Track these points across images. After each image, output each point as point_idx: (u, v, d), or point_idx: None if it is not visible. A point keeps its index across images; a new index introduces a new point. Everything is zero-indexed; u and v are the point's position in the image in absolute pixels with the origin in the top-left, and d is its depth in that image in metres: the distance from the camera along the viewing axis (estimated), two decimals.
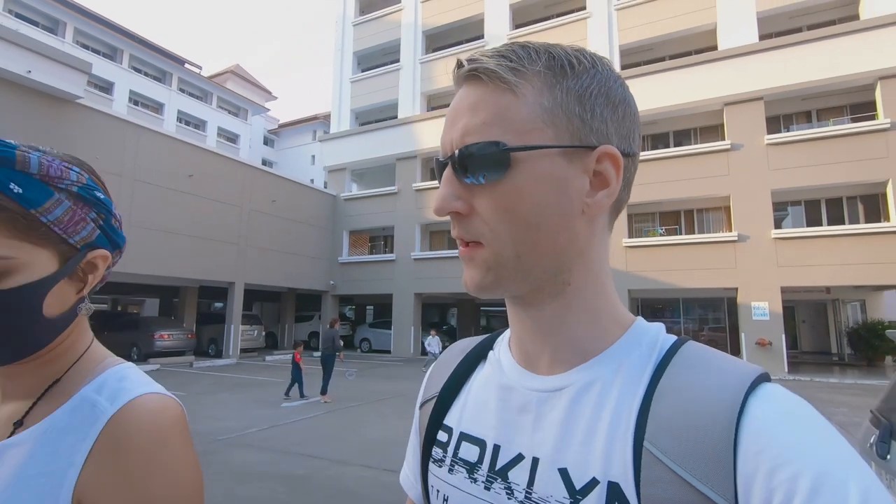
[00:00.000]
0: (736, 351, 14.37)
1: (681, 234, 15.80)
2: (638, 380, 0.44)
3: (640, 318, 0.50)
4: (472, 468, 0.49)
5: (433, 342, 12.85)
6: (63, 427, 0.55)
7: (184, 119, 37.27)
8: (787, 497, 0.33)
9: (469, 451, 0.50)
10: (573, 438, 0.44)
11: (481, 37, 19.38)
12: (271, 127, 48.31)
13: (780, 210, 14.73)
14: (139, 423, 0.54)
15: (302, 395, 9.00)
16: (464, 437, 0.52)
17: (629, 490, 0.39)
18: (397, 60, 21.12)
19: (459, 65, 0.46)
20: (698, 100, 14.96)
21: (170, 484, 0.53)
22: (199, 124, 38.57)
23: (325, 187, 22.10)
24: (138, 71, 35.00)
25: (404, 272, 18.71)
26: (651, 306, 18.02)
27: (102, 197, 0.60)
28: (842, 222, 13.96)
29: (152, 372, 12.77)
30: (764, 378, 0.41)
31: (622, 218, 15.03)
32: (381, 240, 21.65)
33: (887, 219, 12.87)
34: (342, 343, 11.43)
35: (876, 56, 12.89)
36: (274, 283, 17.99)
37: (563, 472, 0.43)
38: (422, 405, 0.61)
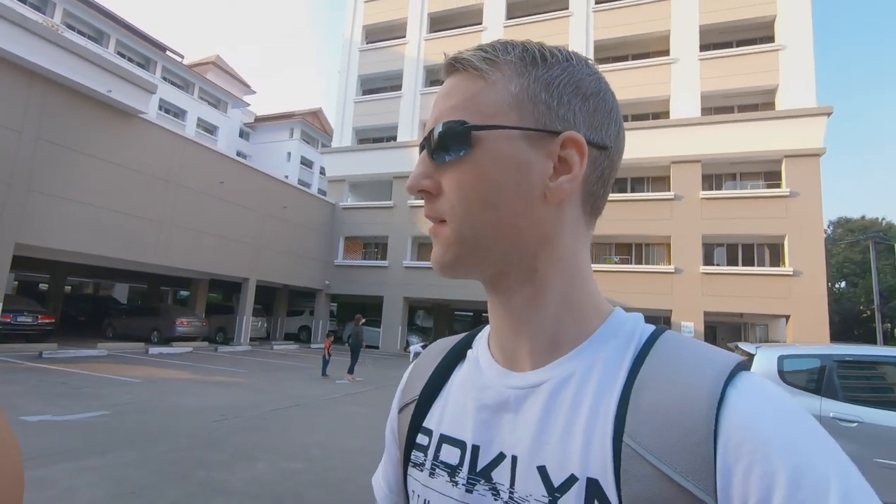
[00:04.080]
0: None
1: (631, 263, 19.38)
2: (616, 372, 0.43)
3: (617, 309, 0.50)
4: (453, 471, 0.49)
5: (415, 340, 16.32)
6: None
7: (164, 107, 37.82)
8: (766, 491, 0.33)
9: (450, 454, 0.50)
10: (551, 435, 0.43)
11: None
12: (248, 120, 48.97)
13: (710, 247, 18.56)
14: None
15: (323, 374, 11.46)
16: (444, 439, 0.51)
17: (609, 486, 0.39)
18: (399, 88, 23.68)
19: (446, 59, 0.49)
20: (651, 156, 18.59)
21: None
22: (179, 113, 39.16)
23: (326, 195, 24.27)
24: (123, 56, 35.35)
25: (396, 278, 21.27)
26: None
27: None
28: (752, 264, 17.92)
29: (186, 354, 14.70)
30: (742, 367, 0.40)
31: None
32: (374, 247, 24.08)
33: (784, 264, 16.85)
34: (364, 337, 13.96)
35: (783, 139, 16.91)
36: (280, 281, 20.09)
37: (542, 470, 0.42)
38: (401, 409, 0.60)
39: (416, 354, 16.19)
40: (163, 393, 8.06)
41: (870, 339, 39.46)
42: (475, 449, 0.48)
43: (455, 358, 0.58)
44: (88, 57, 12.52)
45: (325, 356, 11.72)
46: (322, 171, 44.84)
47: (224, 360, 13.84)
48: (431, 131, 0.47)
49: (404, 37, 23.96)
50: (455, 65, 0.48)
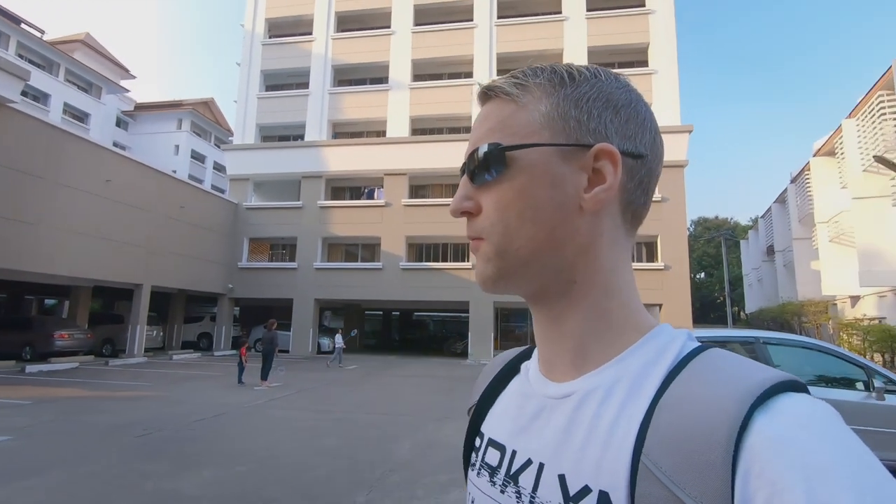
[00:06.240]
0: None
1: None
2: (643, 388, 0.43)
3: (663, 325, 0.49)
4: (493, 472, 0.52)
5: (338, 339, 16.62)
6: None
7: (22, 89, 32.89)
8: None
9: (492, 456, 0.53)
10: (572, 445, 0.44)
11: (386, 80, 22.64)
12: (126, 108, 44.16)
13: None
14: None
15: (239, 382, 11.26)
16: (490, 442, 0.54)
17: (620, 502, 0.39)
18: (306, 85, 23.17)
19: (479, 89, 0.53)
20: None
21: None
22: (40, 97, 34.39)
23: (226, 194, 22.99)
24: None
25: (306, 280, 20.89)
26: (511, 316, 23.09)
27: None
28: (634, 260, 20.19)
29: (73, 370, 13.32)
30: (784, 387, 0.38)
31: None
32: (281, 248, 23.32)
33: (657, 260, 19.46)
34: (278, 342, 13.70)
35: None
36: (178, 286, 18.76)
37: (561, 478, 0.44)
38: (469, 410, 0.64)
39: (341, 348, 16.30)
40: (65, 412, 7.48)
41: (722, 321, 46.44)
42: (513, 453, 0.50)
43: (513, 368, 0.61)
44: None
45: (242, 363, 11.42)
46: (217, 167, 42.04)
47: (120, 374, 12.80)
48: (471, 155, 0.50)
49: (311, 34, 23.46)
50: (488, 93, 0.52)
